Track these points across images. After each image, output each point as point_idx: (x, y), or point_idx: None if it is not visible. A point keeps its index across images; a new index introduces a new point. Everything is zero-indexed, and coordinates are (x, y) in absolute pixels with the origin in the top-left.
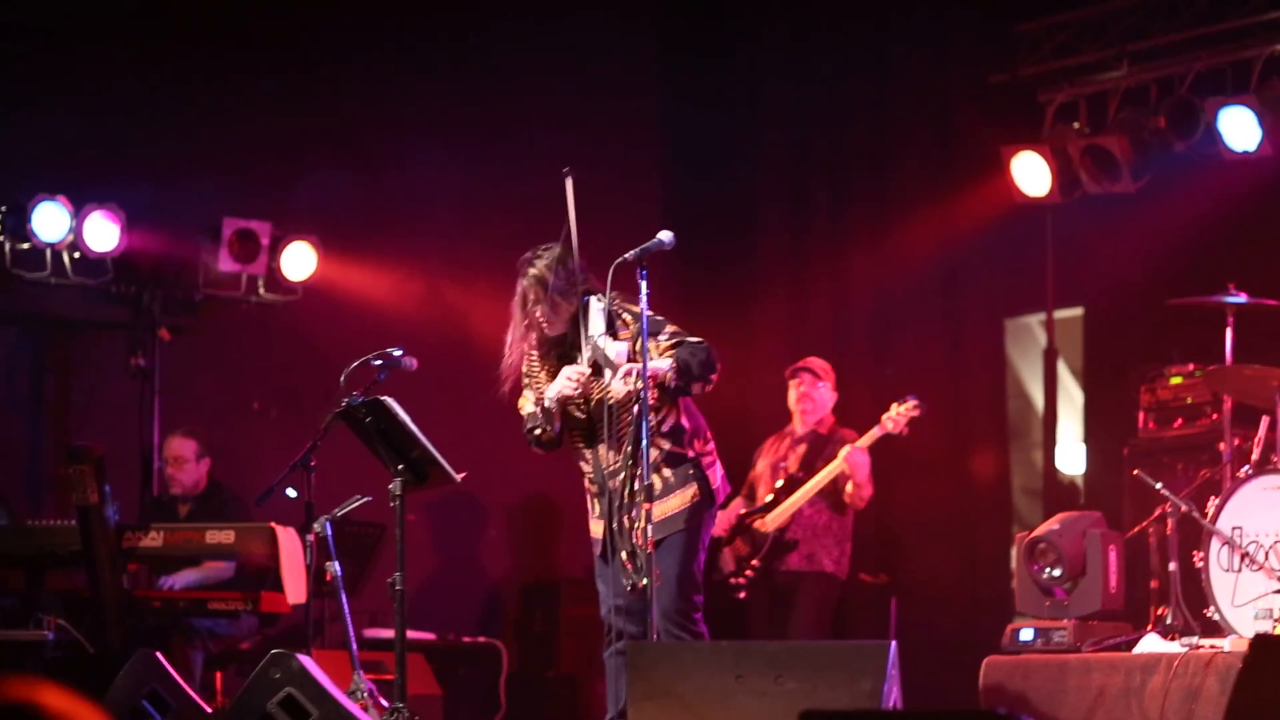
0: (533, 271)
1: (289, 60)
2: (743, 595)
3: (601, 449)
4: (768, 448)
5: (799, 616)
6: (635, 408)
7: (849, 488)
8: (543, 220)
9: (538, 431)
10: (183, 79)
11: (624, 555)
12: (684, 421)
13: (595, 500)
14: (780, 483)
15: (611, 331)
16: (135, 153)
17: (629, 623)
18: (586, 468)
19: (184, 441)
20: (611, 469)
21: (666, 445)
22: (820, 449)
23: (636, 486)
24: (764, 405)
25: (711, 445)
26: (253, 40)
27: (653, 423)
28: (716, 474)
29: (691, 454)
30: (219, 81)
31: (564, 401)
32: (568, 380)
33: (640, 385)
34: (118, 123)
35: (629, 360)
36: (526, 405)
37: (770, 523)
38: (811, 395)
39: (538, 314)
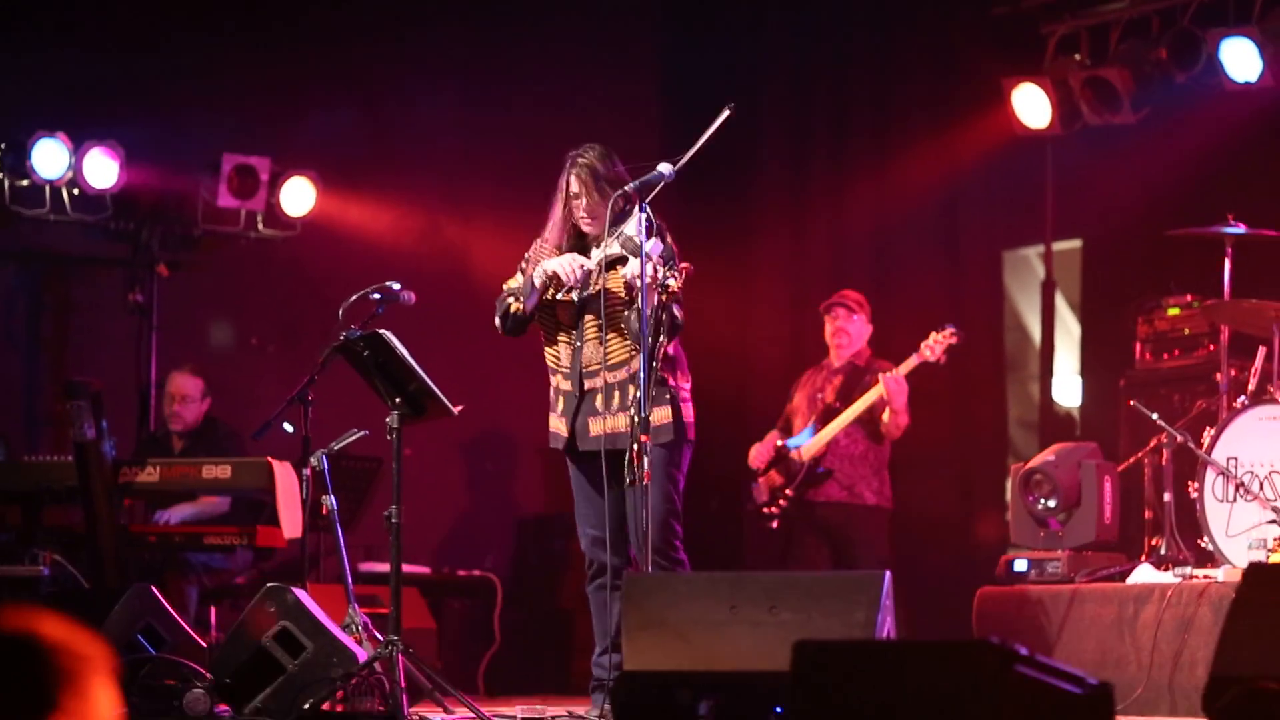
0: (583, 160)
1: None
2: (775, 525)
3: (589, 346)
4: (805, 380)
5: (857, 555)
6: (633, 312)
7: (885, 416)
8: (541, 156)
9: (510, 301)
10: (182, 15)
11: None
12: (670, 350)
13: (561, 396)
14: (816, 415)
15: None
16: (134, 89)
17: (608, 553)
18: (559, 363)
19: (191, 379)
20: (590, 368)
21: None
22: (857, 380)
23: (630, 398)
24: (763, 339)
25: (689, 385)
26: None
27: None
28: (689, 412)
29: (671, 382)
30: (218, 17)
31: (554, 282)
32: (570, 264)
33: (659, 278)
34: (117, 59)
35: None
36: (512, 282)
37: (806, 451)
38: (846, 329)
39: (582, 205)
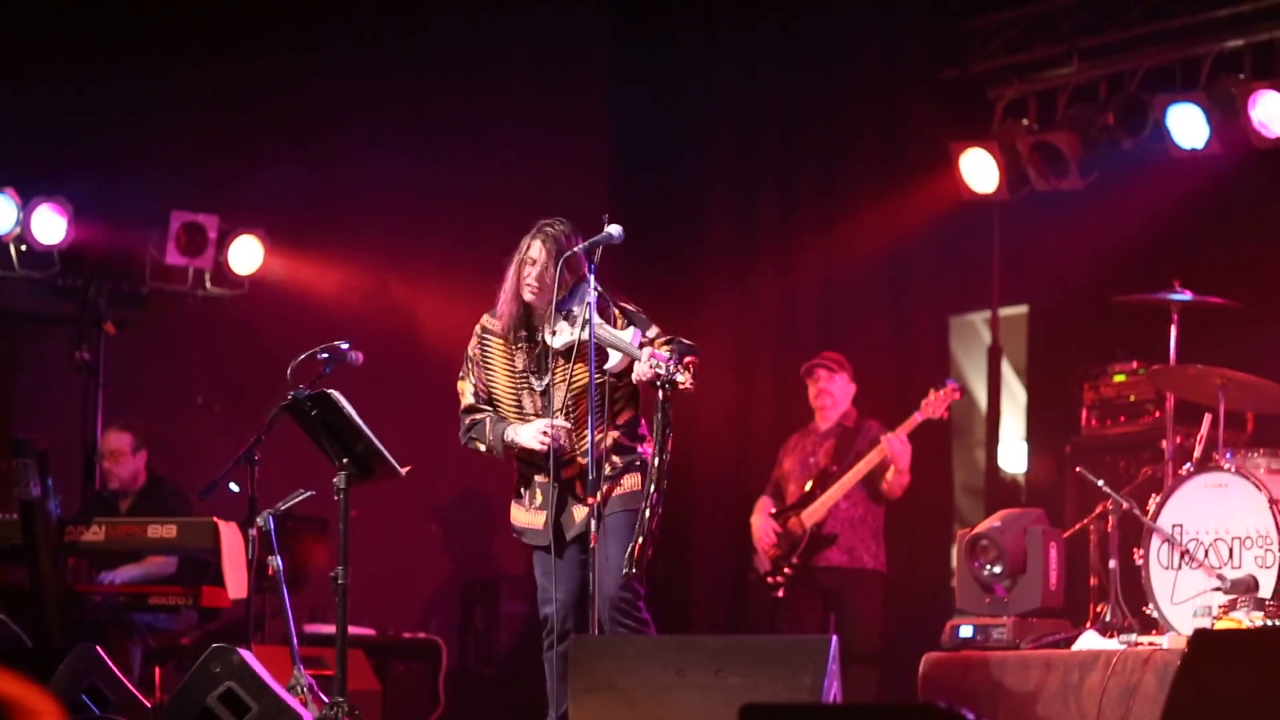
0: (551, 230)
1: (237, 54)
2: (780, 594)
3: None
4: (793, 445)
5: (853, 617)
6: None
7: (889, 475)
8: (490, 215)
9: (479, 445)
10: (131, 72)
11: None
12: (637, 418)
13: (538, 489)
14: (812, 480)
15: (605, 319)
16: (83, 145)
17: (572, 620)
18: (532, 456)
19: (119, 435)
20: (566, 457)
21: (620, 436)
22: (850, 442)
23: (605, 470)
24: (708, 399)
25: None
26: (200, 33)
27: (609, 414)
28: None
29: (640, 449)
30: (167, 74)
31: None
32: (540, 436)
33: (661, 370)
34: (65, 115)
35: (641, 346)
36: (466, 395)
37: (808, 518)
38: (829, 390)
39: (533, 274)
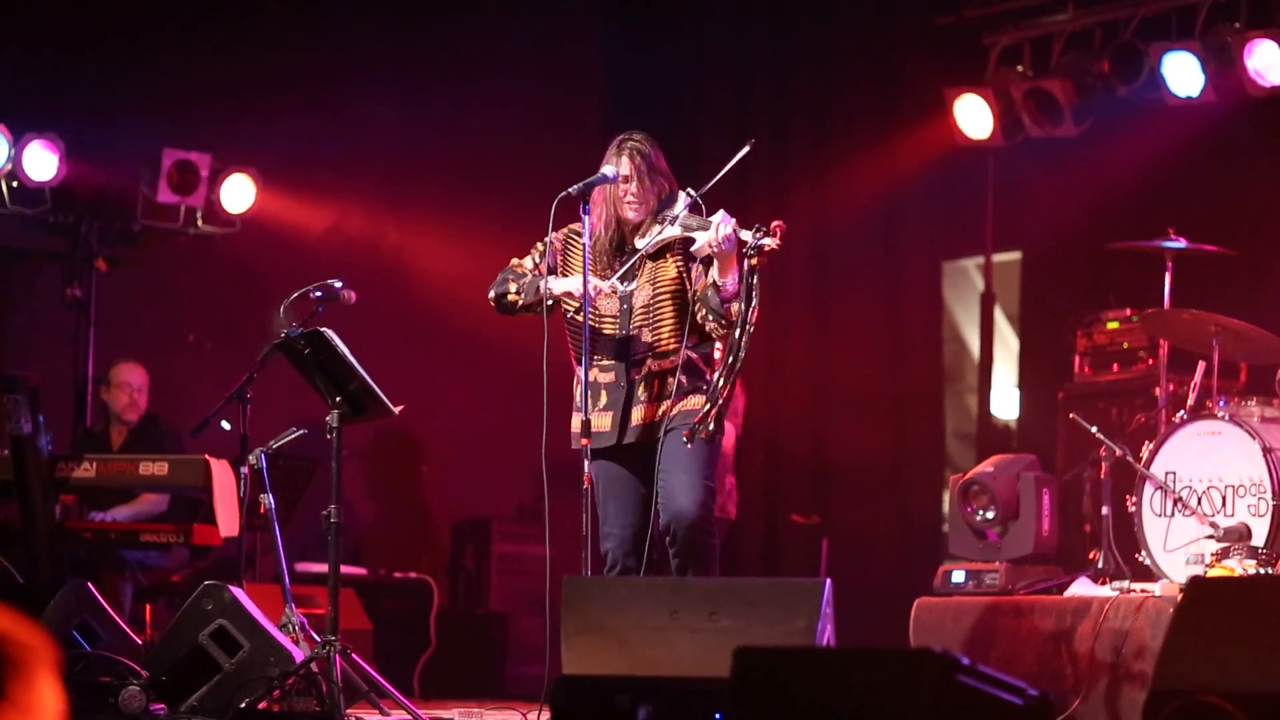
0: (635, 144)
1: None
2: None
3: (640, 334)
4: None
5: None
6: (710, 288)
7: None
8: (483, 163)
9: (511, 288)
10: (125, 9)
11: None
12: (712, 346)
13: (604, 390)
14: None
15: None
16: (75, 83)
17: (633, 557)
18: (597, 354)
19: (139, 369)
20: (637, 356)
21: (694, 357)
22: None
23: (671, 384)
24: None
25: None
26: None
27: (696, 328)
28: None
29: (709, 376)
30: (161, 13)
31: (566, 299)
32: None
33: (742, 233)
34: (58, 53)
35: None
36: (525, 262)
37: None
38: None
39: (631, 189)
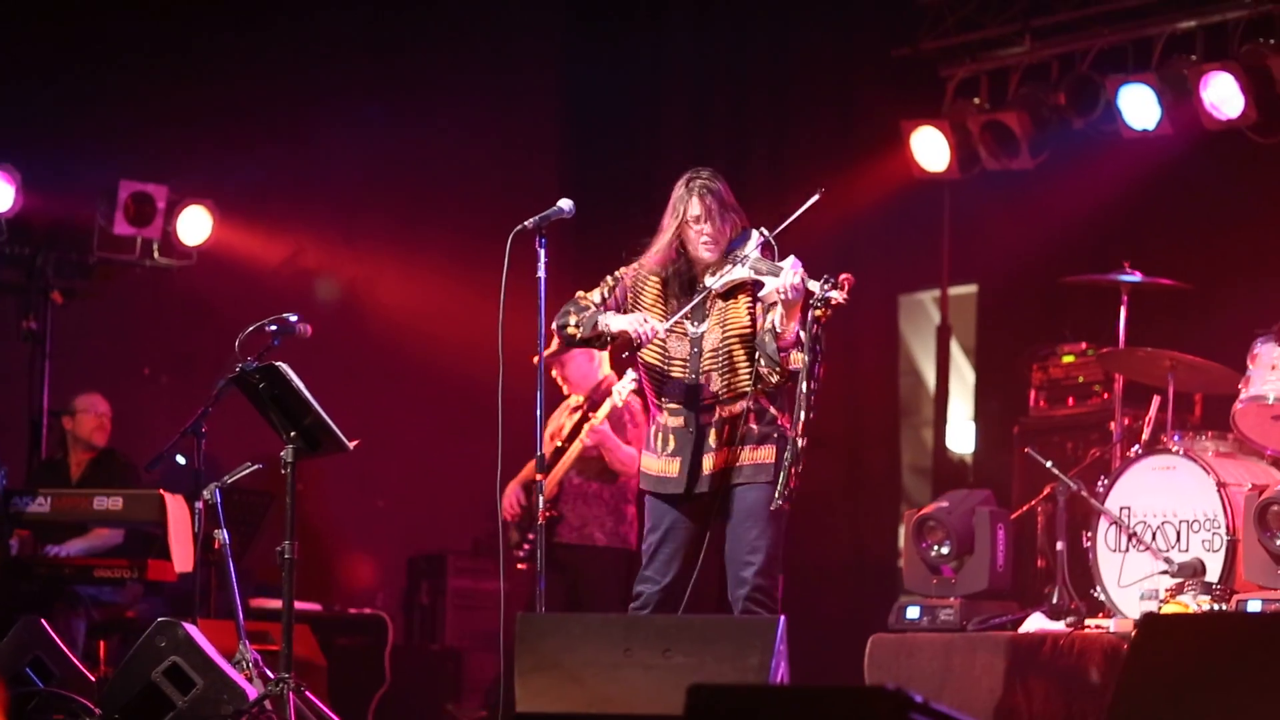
0: (705, 182)
1: (190, 26)
2: (522, 566)
3: (709, 379)
4: (554, 417)
5: (588, 593)
6: (768, 334)
7: (608, 458)
8: (441, 191)
9: (570, 321)
10: (83, 41)
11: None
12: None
13: (673, 435)
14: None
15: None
16: (32, 114)
17: (662, 606)
18: (668, 398)
19: (103, 400)
20: (707, 402)
21: (764, 399)
22: (586, 417)
23: (741, 429)
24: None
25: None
26: (154, 5)
27: (759, 374)
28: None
29: (781, 421)
30: (119, 44)
31: (622, 339)
32: (639, 325)
33: (810, 283)
34: (16, 83)
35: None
36: (592, 295)
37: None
38: (564, 375)
39: (706, 231)
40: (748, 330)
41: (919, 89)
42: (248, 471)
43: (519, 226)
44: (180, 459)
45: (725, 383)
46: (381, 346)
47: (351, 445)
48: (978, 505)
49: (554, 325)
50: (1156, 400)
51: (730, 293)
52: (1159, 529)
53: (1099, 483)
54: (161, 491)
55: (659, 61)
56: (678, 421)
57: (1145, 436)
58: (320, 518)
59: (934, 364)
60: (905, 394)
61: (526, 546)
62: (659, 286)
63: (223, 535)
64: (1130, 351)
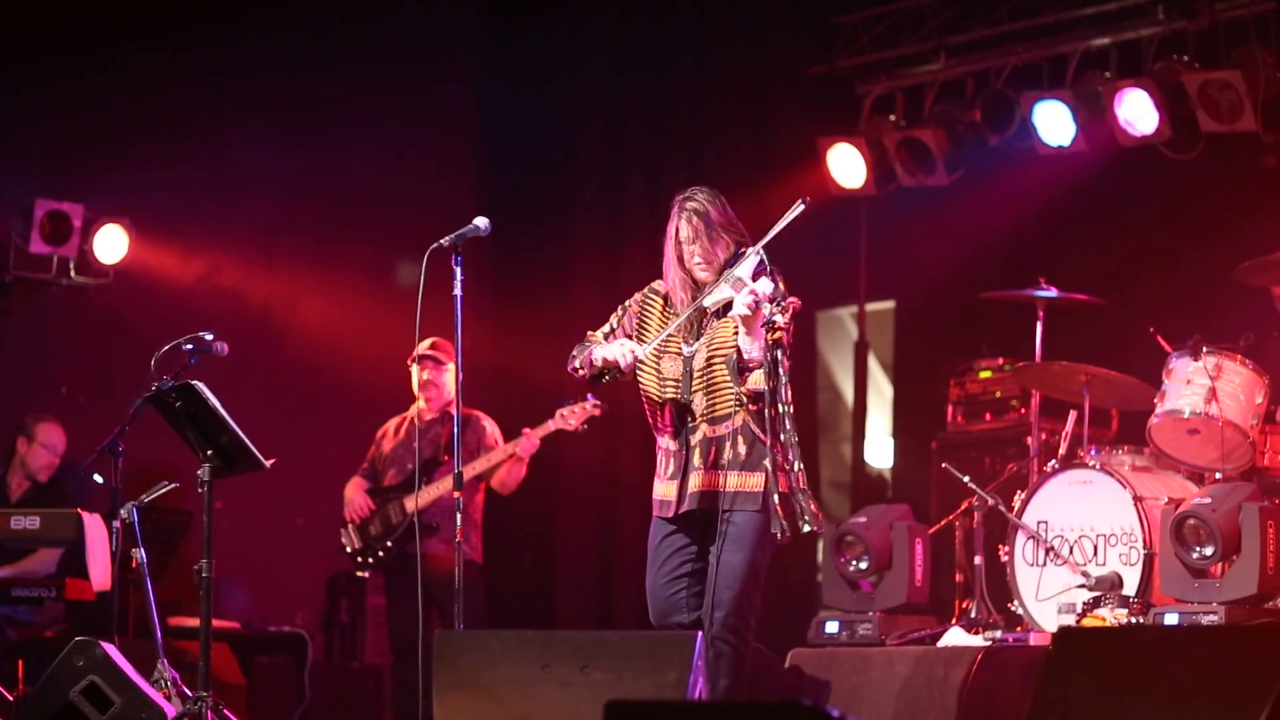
0: (692, 204)
1: (105, 42)
2: (364, 574)
3: (694, 399)
4: (394, 429)
5: (468, 611)
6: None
7: (506, 472)
8: (358, 209)
9: (576, 363)
10: None
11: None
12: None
13: (670, 459)
14: (415, 467)
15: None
16: None
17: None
18: (663, 421)
19: (59, 431)
20: (692, 423)
21: (750, 419)
22: (459, 433)
23: (727, 451)
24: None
25: (796, 464)
26: (68, 21)
27: (749, 387)
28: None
29: (769, 443)
30: (33, 62)
31: (607, 367)
32: (619, 351)
33: (758, 301)
34: None
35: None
36: (603, 329)
37: (410, 505)
38: (436, 381)
39: (696, 251)
40: (731, 349)
41: (835, 106)
42: (164, 490)
43: (435, 244)
44: (98, 478)
45: (709, 402)
46: (300, 364)
47: (269, 463)
48: (896, 520)
49: (573, 357)
50: (1073, 415)
51: (721, 311)
52: (1076, 543)
53: (1016, 497)
54: (79, 510)
55: (575, 80)
56: (673, 445)
57: (1062, 451)
58: (239, 536)
59: (852, 379)
60: (823, 409)
61: (381, 555)
62: (662, 307)
63: (140, 554)
64: (1046, 366)
